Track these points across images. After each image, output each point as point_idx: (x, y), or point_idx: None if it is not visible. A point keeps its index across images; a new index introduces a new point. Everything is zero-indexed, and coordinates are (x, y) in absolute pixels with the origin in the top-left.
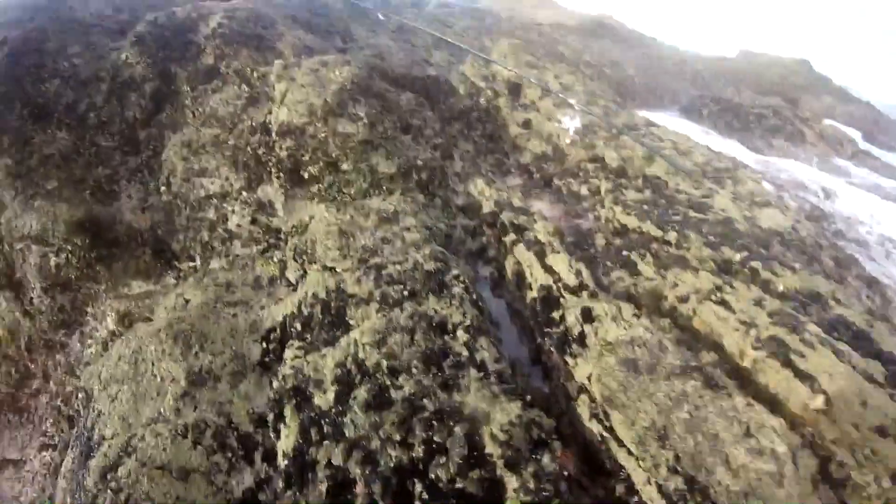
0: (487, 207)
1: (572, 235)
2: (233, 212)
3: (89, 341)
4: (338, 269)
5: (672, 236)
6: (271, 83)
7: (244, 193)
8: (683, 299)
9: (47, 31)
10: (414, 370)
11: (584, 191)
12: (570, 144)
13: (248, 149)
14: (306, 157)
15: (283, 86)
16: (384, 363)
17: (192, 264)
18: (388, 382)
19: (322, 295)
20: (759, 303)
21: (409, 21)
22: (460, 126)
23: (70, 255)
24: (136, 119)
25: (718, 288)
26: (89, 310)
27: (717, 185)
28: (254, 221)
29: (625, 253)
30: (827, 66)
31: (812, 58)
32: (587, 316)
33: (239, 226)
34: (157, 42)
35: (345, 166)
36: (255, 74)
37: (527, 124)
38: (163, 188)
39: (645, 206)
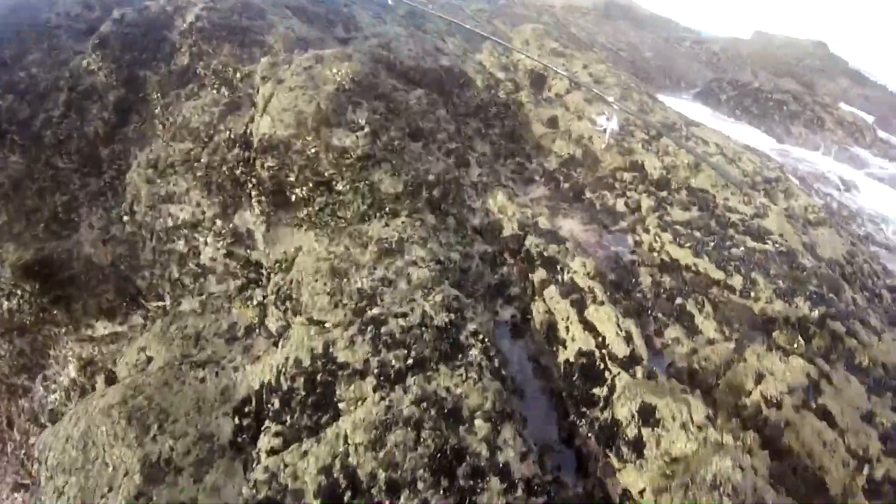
0: (509, 229)
1: (613, 271)
2: (205, 243)
3: (53, 386)
4: (327, 324)
5: (737, 281)
6: (256, 85)
7: (218, 222)
8: (774, 403)
9: (4, 38)
10: (420, 484)
11: (620, 206)
12: (605, 149)
13: (224, 168)
14: (292, 178)
15: (268, 88)
16: (381, 475)
17: (160, 304)
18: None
19: (306, 362)
20: (869, 418)
21: (420, 5)
22: (477, 124)
23: (21, 301)
24: (97, 135)
25: (816, 387)
26: (51, 352)
27: (768, 199)
28: (230, 254)
29: (679, 301)
30: (842, 48)
31: (827, 39)
32: (647, 415)
33: (213, 259)
34: (123, 43)
35: (340, 186)
36: (237, 75)
37: (552, 122)
38: (125, 217)
39: (696, 233)
